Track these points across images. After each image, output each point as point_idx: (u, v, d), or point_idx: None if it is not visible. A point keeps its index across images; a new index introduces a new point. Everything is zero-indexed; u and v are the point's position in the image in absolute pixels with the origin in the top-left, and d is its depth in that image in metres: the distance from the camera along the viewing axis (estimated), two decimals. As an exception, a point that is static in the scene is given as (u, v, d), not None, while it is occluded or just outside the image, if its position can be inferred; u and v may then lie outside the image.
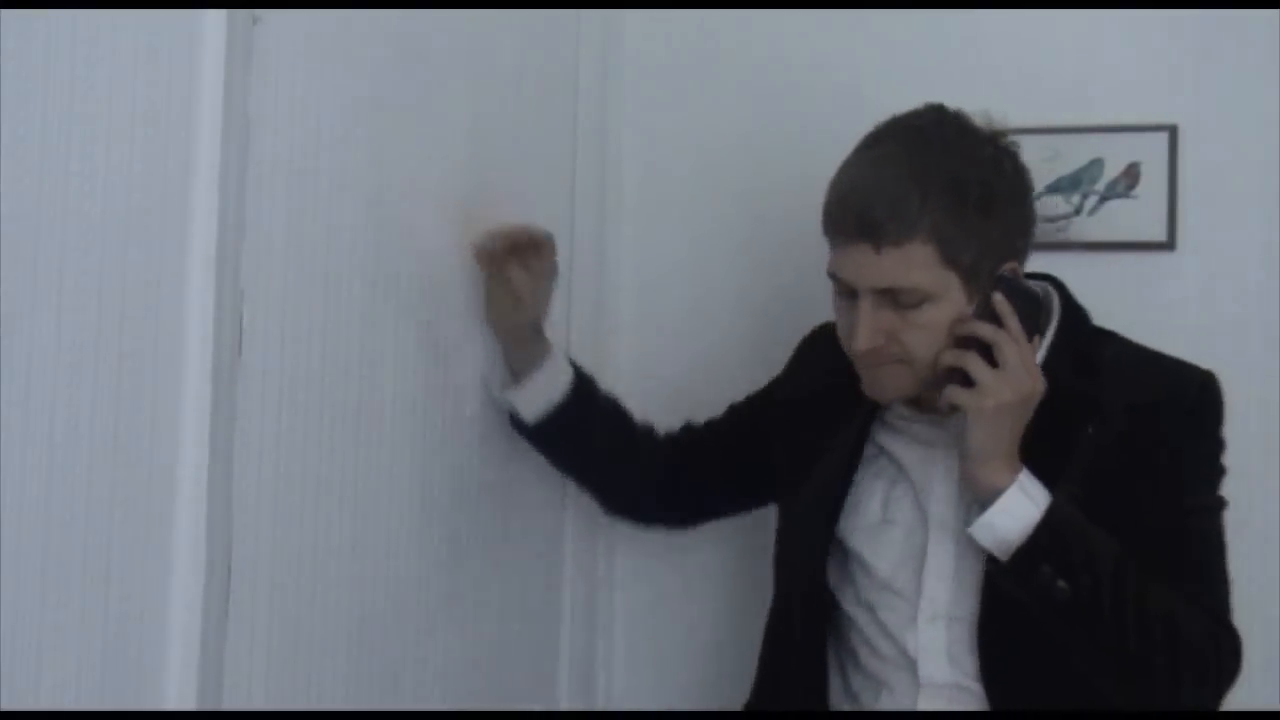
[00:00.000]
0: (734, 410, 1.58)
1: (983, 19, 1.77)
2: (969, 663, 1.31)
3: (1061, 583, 1.22)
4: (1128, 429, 1.29)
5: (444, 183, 1.42)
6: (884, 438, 1.41)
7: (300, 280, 1.16)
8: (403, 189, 1.33)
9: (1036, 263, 1.75)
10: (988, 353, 1.25)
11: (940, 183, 1.24)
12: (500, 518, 1.57)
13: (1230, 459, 1.67)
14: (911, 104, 1.39)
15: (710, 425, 1.60)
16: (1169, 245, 1.71)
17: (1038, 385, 1.26)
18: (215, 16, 1.02)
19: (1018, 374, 1.24)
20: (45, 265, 0.87)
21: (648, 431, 1.60)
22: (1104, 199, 1.72)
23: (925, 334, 1.27)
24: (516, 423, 1.51)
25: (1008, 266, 1.30)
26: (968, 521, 1.28)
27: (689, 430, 1.61)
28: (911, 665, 1.34)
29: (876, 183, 1.25)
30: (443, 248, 1.42)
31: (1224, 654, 1.31)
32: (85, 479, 0.91)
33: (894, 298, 1.26)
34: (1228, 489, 1.68)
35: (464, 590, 1.48)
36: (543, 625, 1.71)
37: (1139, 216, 1.71)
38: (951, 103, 1.75)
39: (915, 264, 1.24)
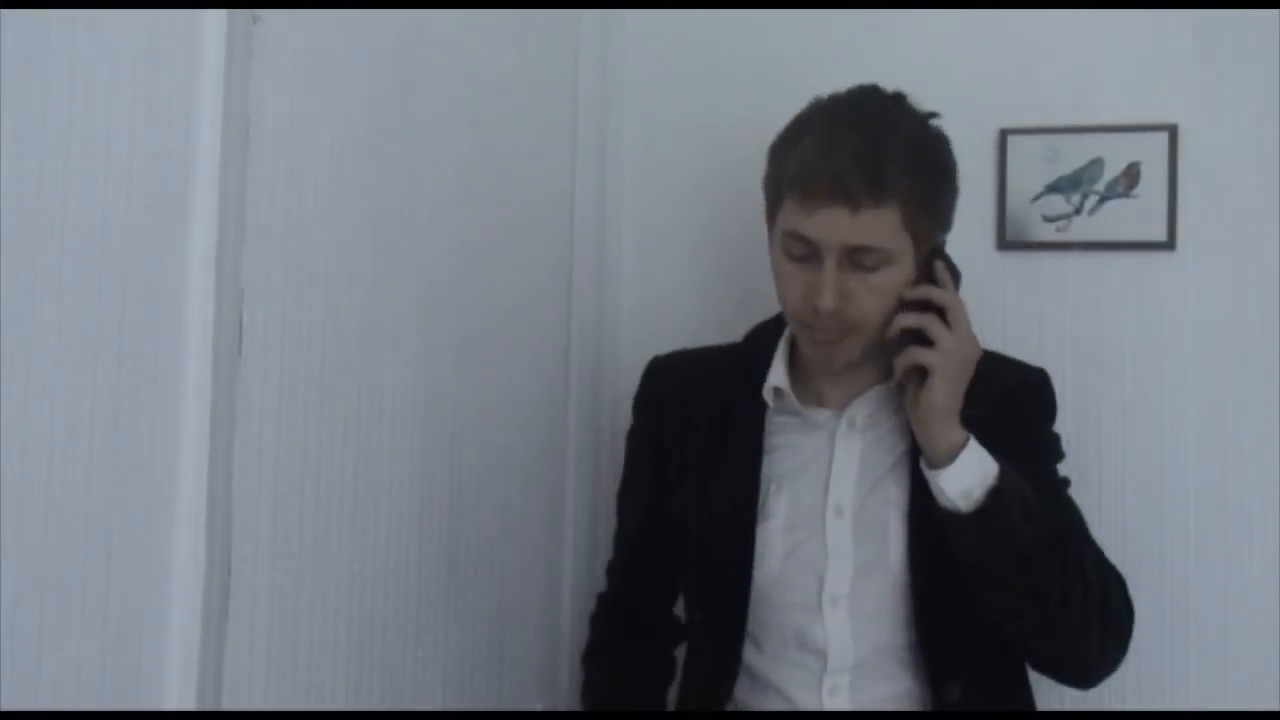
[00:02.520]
0: (647, 516, 1.53)
1: (983, 19, 1.77)
2: (870, 638, 1.36)
3: (1024, 529, 1.27)
4: (991, 414, 1.35)
5: (444, 183, 1.42)
6: (774, 436, 1.43)
7: (300, 280, 1.16)
8: (403, 189, 1.33)
9: (1037, 262, 1.76)
10: (938, 316, 1.32)
11: (907, 150, 1.30)
12: (500, 517, 1.57)
13: (1231, 458, 1.68)
14: (914, 103, 1.39)
15: (649, 556, 1.55)
16: (1169, 245, 1.71)
17: (979, 349, 1.33)
18: (215, 16, 1.02)
19: (968, 335, 1.32)
20: (45, 265, 0.88)
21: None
22: (1104, 199, 1.72)
23: (879, 297, 1.32)
24: None
25: (942, 239, 1.37)
26: (855, 493, 1.37)
27: (650, 591, 1.58)
28: (813, 648, 1.37)
29: (852, 148, 1.28)
30: (443, 248, 1.42)
31: (1130, 608, 1.38)
32: (85, 479, 0.91)
33: (856, 260, 1.30)
34: (1230, 485, 1.69)
35: (464, 590, 1.48)
36: (543, 625, 1.71)
37: (1139, 216, 1.71)
38: (953, 102, 1.76)
39: (885, 226, 1.29)
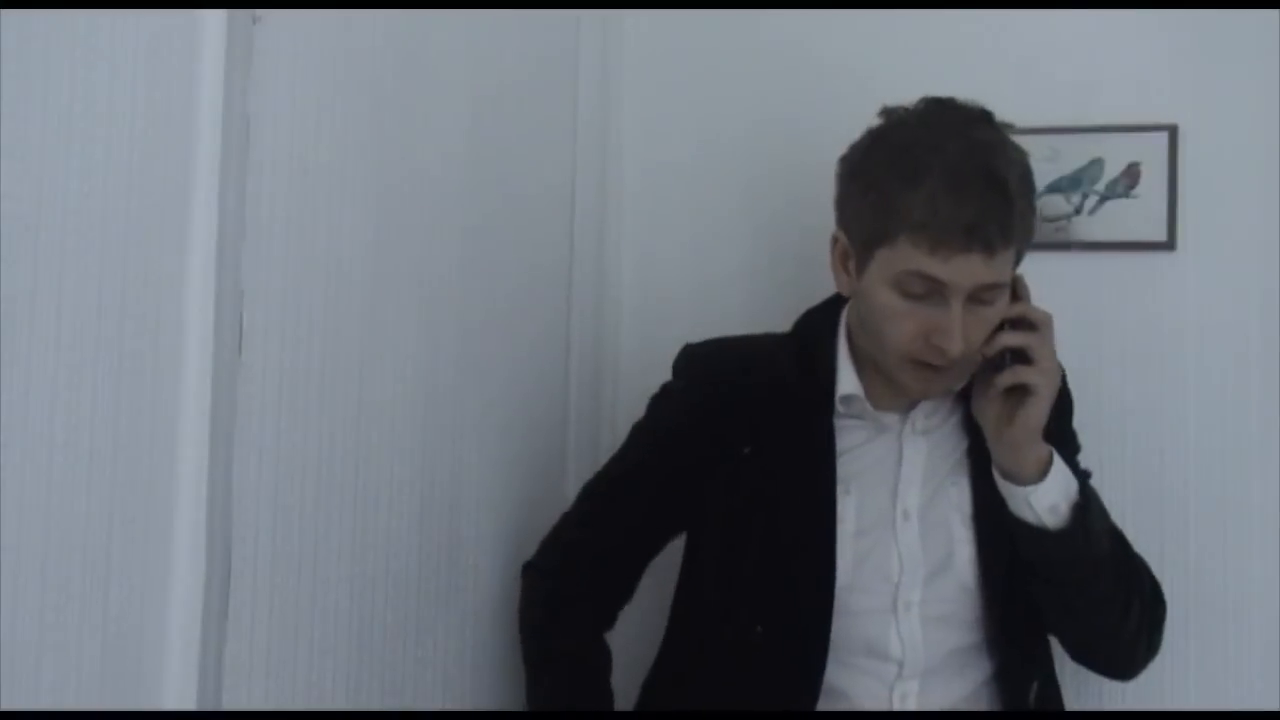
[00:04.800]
0: (648, 512, 1.47)
1: (983, 18, 1.76)
2: (939, 645, 1.35)
3: (1106, 543, 1.29)
4: None
5: (444, 183, 1.42)
6: (842, 440, 1.39)
7: (300, 280, 1.16)
8: (403, 189, 1.33)
9: (1036, 263, 1.76)
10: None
11: (1023, 189, 1.28)
12: (500, 517, 1.57)
13: (1231, 458, 1.68)
14: (998, 120, 1.38)
15: (617, 544, 1.48)
16: (1169, 245, 1.70)
17: (1061, 366, 1.33)
18: (215, 16, 1.02)
19: (1055, 352, 1.31)
20: (45, 265, 0.88)
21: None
22: (1104, 199, 1.72)
23: (990, 326, 1.30)
24: None
25: None
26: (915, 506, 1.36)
27: (611, 580, 1.49)
28: (885, 655, 1.35)
29: (983, 196, 1.24)
30: (443, 247, 1.42)
31: (1164, 600, 1.42)
32: (85, 479, 0.91)
33: (978, 296, 1.27)
34: (1230, 485, 1.69)
35: (464, 590, 1.48)
36: (543, 625, 1.71)
37: (1139, 216, 1.71)
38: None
39: (1009, 263, 1.28)
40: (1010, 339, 1.30)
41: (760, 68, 1.84)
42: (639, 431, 1.50)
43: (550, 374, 1.73)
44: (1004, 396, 1.30)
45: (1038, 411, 1.28)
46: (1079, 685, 1.55)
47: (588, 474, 1.79)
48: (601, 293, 1.85)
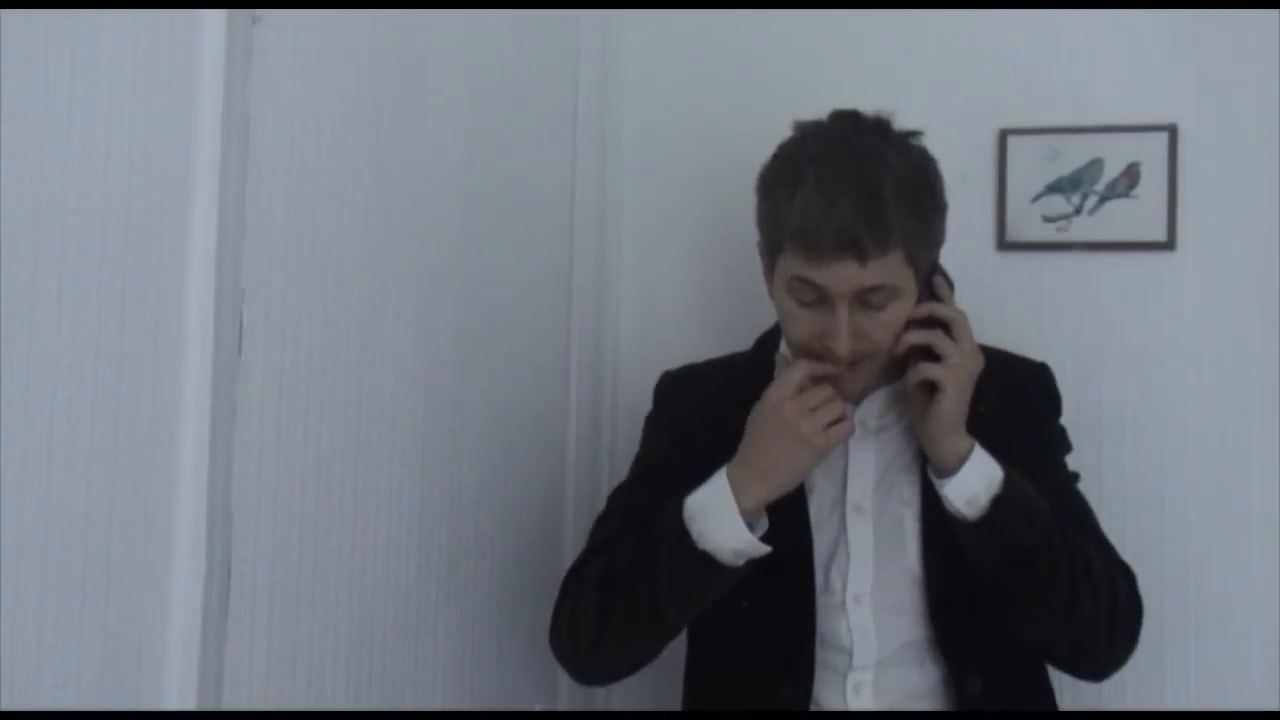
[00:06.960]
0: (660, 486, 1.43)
1: (982, 19, 1.77)
2: (892, 637, 1.38)
3: (1030, 535, 1.31)
4: (998, 411, 1.38)
5: (444, 183, 1.42)
6: None
7: (300, 280, 1.16)
8: (402, 189, 1.33)
9: (1037, 262, 1.76)
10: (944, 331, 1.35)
11: (903, 192, 1.31)
12: (500, 517, 1.57)
13: (1231, 458, 1.68)
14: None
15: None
16: (1169, 245, 1.71)
17: (981, 360, 1.35)
18: (215, 16, 1.02)
19: (972, 347, 1.35)
20: (45, 265, 0.88)
21: None
22: (1104, 199, 1.72)
23: (891, 329, 1.34)
24: (721, 568, 1.32)
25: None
26: (868, 496, 1.39)
27: None
28: (838, 646, 1.39)
29: (852, 200, 1.28)
30: (442, 248, 1.42)
31: (1138, 602, 1.41)
32: (85, 479, 0.91)
33: (865, 299, 1.31)
34: (1230, 485, 1.69)
35: (464, 590, 1.48)
36: (543, 625, 1.71)
37: (1139, 216, 1.71)
38: (953, 102, 1.76)
39: (891, 267, 1.30)
40: (914, 337, 1.35)
41: (760, 67, 1.84)
42: (648, 448, 1.52)
43: (550, 374, 1.74)
44: (920, 393, 1.35)
45: (948, 406, 1.32)
46: (1078, 684, 1.55)
47: (588, 473, 1.80)
48: (601, 292, 1.86)
